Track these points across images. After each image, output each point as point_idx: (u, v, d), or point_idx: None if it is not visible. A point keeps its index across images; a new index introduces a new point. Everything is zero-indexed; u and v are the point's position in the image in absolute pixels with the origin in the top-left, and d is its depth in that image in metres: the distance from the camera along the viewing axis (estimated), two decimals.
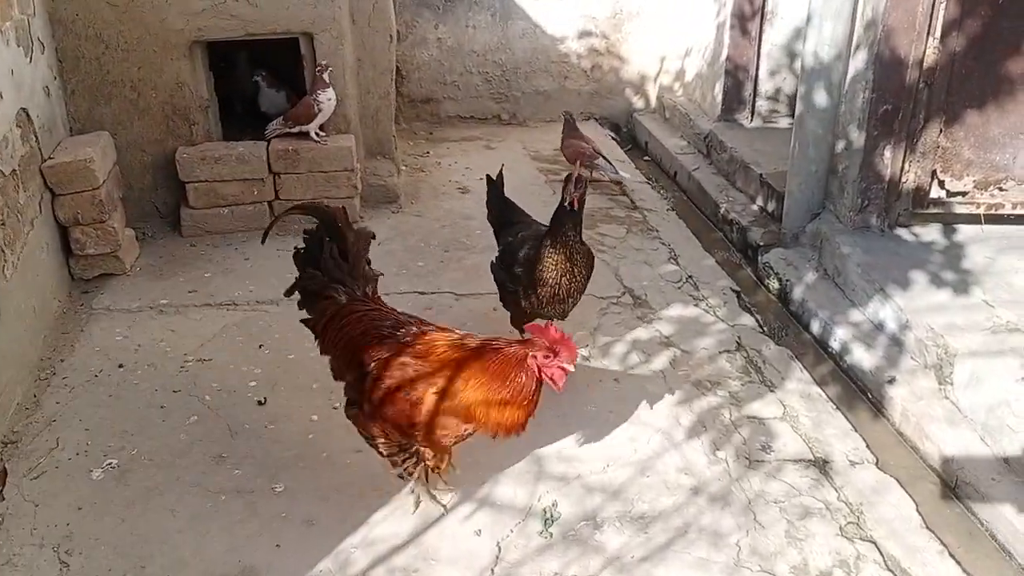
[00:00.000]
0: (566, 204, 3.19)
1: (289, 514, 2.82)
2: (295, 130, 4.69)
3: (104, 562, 2.65)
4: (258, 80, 5.11)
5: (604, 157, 5.50)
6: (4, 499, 2.88)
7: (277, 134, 4.73)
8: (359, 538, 2.73)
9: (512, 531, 2.76)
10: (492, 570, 2.61)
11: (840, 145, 4.16)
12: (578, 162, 3.16)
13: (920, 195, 4.09)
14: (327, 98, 4.64)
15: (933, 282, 3.70)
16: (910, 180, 4.06)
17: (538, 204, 5.14)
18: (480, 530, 2.76)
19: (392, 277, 4.27)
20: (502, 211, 3.76)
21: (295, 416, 3.24)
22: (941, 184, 4.08)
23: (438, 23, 6.47)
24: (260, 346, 3.70)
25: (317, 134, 4.72)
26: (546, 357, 2.43)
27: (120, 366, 3.58)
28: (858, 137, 4.02)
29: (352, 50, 4.88)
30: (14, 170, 3.58)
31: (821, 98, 4.14)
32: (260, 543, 2.71)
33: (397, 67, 5.94)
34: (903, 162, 4.02)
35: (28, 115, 3.83)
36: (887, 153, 3.99)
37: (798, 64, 4.93)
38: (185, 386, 3.44)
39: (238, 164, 4.60)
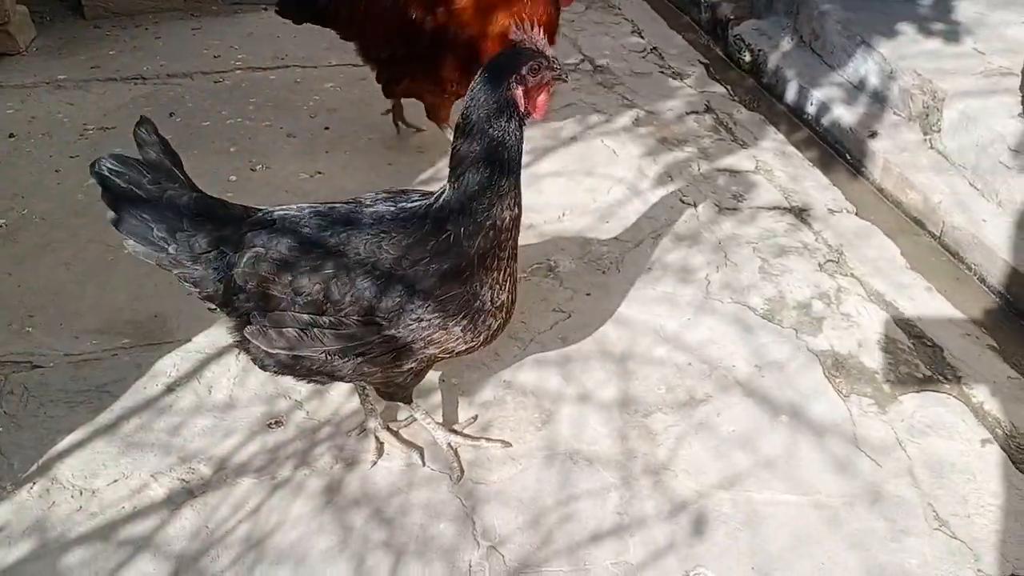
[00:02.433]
0: None
1: None
2: None
3: None
4: None
5: None
6: None
7: None
8: None
9: None
10: None
11: None
12: None
13: None
14: None
15: (921, 32, 3.35)
16: None
17: None
18: None
19: None
20: None
21: (212, 177, 2.85)
22: None
23: None
24: (171, 115, 3.28)
25: None
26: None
27: (11, 136, 3.14)
28: None
29: None
30: None
31: None
32: (168, 292, 2.38)
33: None
34: None
35: None
36: None
37: None
38: (85, 152, 3.03)
39: None
